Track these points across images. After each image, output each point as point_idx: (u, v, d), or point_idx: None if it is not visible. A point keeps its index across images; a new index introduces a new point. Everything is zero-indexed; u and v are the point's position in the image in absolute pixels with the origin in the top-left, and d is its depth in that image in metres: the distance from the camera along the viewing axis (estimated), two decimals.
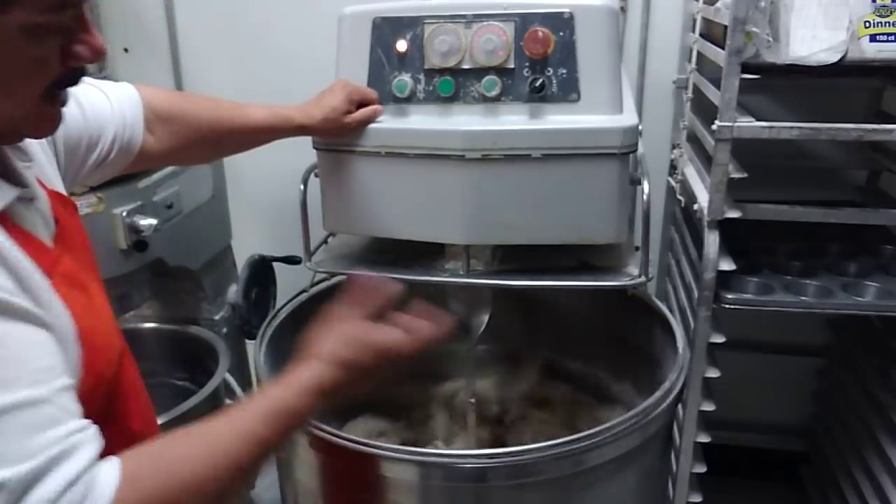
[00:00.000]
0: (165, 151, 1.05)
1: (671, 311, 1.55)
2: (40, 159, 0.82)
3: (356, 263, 1.38)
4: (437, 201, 1.20)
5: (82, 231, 0.86)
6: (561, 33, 1.14)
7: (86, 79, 0.95)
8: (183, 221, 1.66)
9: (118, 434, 0.78)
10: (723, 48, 1.31)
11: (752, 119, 1.32)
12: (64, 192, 0.85)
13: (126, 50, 2.17)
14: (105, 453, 0.67)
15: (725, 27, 1.30)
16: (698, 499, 1.63)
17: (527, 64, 1.16)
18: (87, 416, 0.67)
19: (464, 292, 1.40)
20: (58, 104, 0.73)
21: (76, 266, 0.77)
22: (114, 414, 0.81)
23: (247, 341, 1.93)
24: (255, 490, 1.76)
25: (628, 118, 1.17)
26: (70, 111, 0.88)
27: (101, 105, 0.94)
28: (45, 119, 0.73)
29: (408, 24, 1.19)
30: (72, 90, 0.79)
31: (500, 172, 1.16)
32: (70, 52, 0.68)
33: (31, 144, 0.80)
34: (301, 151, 1.30)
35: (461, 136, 1.16)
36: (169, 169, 1.62)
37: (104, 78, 1.05)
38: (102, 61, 2.07)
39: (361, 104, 1.20)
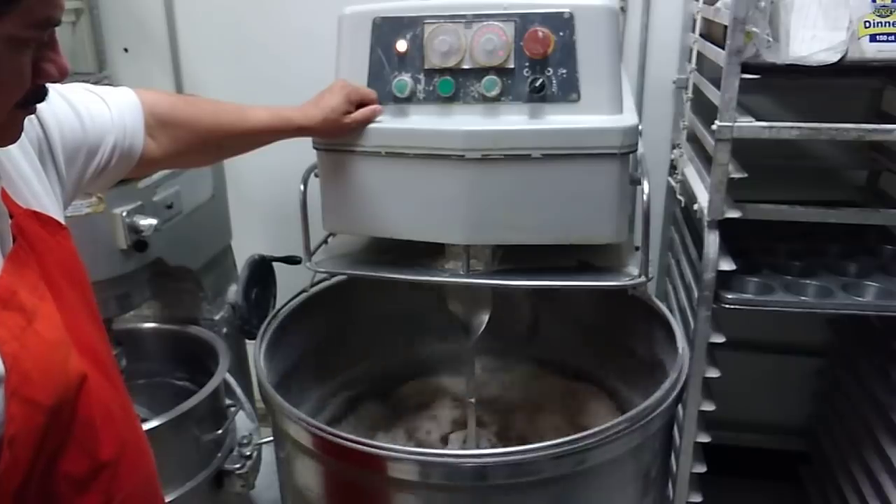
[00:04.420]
0: (167, 156, 1.04)
1: (671, 311, 1.55)
2: (18, 175, 0.80)
3: (356, 263, 1.38)
4: (437, 201, 1.20)
5: (68, 252, 0.84)
6: (561, 33, 1.14)
7: (85, 85, 0.95)
8: (183, 221, 1.66)
9: (81, 465, 0.77)
10: (723, 48, 1.31)
11: (752, 119, 1.32)
12: (51, 211, 0.82)
13: (126, 50, 2.17)
14: (69, 486, 0.64)
15: (725, 27, 1.30)
16: (698, 499, 1.63)
17: (527, 64, 1.15)
18: (22, 449, 0.66)
19: (464, 292, 1.40)
20: (23, 118, 0.74)
21: (25, 286, 0.73)
22: (76, 444, 0.77)
23: (247, 341, 1.93)
24: (255, 490, 1.76)
25: (628, 118, 1.17)
26: (68, 120, 0.88)
27: (101, 113, 0.93)
28: (12, 130, 0.73)
29: (408, 24, 1.19)
30: (60, 102, 0.78)
31: (500, 172, 1.16)
32: (40, 69, 0.69)
33: (10, 160, 0.79)
34: (301, 151, 1.30)
35: (461, 136, 1.16)
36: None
37: (104, 78, 1.05)
38: (101, 70, 2.06)
39: (361, 104, 1.20)
